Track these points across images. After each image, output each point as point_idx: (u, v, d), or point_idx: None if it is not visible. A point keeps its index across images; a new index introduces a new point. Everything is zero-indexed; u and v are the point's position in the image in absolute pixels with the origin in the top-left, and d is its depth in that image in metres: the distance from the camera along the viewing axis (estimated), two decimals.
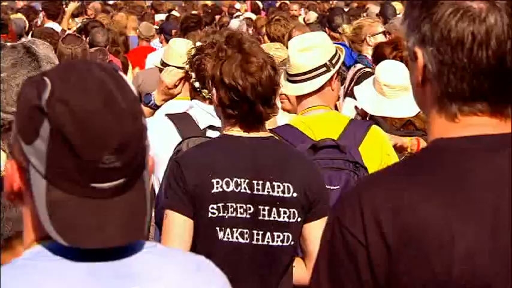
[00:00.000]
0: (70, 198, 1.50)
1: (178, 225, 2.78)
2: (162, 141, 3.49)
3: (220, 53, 3.13)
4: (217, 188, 2.89)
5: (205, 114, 3.87)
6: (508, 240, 1.50)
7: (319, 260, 1.61)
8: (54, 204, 1.49)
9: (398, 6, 11.30)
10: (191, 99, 3.96)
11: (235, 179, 2.94)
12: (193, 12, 14.50)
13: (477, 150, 1.56)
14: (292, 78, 3.98)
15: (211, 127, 3.82)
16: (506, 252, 1.51)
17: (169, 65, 4.99)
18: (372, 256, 1.50)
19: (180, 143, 3.37)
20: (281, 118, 4.13)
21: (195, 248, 2.77)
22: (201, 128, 3.77)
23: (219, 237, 2.72)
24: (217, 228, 2.74)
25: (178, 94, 4.59)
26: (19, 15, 12.21)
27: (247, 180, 2.95)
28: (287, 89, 3.95)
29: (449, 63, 1.54)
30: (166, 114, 3.94)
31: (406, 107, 4.86)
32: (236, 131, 3.04)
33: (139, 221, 1.59)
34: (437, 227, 1.51)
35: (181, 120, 3.95)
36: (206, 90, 3.71)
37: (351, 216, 1.54)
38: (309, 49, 4.06)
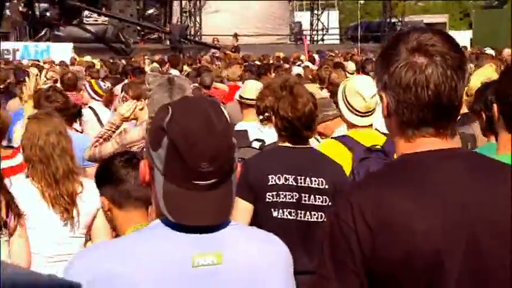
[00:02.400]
0: (178, 190, 1.79)
1: (241, 207, 3.28)
2: None
3: (278, 93, 3.73)
4: (272, 181, 3.45)
5: (256, 131, 4.56)
6: (455, 223, 1.73)
7: (323, 243, 1.84)
8: (167, 193, 1.79)
9: None
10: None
11: (284, 175, 3.50)
12: (270, 62, 17.78)
13: (430, 160, 1.79)
14: (363, 114, 4.38)
15: (257, 139, 4.49)
16: (455, 233, 1.73)
17: (245, 98, 5.66)
18: (360, 237, 1.72)
19: None
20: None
21: (255, 224, 3.32)
22: (250, 140, 4.46)
23: (274, 215, 3.31)
24: (272, 209, 3.32)
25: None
26: (155, 64, 15.49)
27: (293, 176, 3.51)
28: (359, 121, 4.39)
29: (402, 102, 1.77)
30: None
31: None
32: (286, 144, 3.65)
33: (226, 208, 1.85)
34: (403, 215, 1.73)
35: (237, 133, 4.65)
36: (262, 116, 4.38)
37: (344, 211, 1.76)
38: (373, 94, 4.30)
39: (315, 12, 37.25)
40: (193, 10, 31.40)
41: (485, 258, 1.76)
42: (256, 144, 4.58)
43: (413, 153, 1.81)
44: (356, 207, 1.75)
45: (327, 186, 3.59)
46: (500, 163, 2.07)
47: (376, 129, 4.58)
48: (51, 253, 3.59)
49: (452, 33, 32.59)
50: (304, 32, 34.26)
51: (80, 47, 24.96)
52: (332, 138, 4.35)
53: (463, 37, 32.03)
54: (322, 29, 36.66)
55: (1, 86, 9.75)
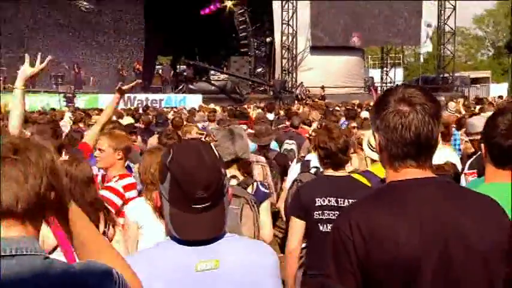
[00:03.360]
0: (180, 213, 1.76)
1: (296, 224, 3.32)
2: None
3: (317, 131, 4.02)
4: (318, 202, 3.41)
5: (315, 160, 4.35)
6: (430, 236, 1.70)
7: (327, 250, 1.81)
8: (172, 215, 1.76)
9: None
10: None
11: (328, 198, 3.45)
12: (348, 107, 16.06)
13: (411, 186, 1.78)
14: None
15: (314, 167, 4.39)
16: (429, 244, 1.70)
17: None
18: (355, 245, 1.71)
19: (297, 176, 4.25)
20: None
21: (305, 236, 3.37)
22: (310, 167, 4.49)
23: (320, 229, 3.25)
24: (319, 224, 3.26)
25: None
26: (259, 110, 15.12)
27: (334, 198, 3.45)
28: (376, 156, 4.29)
29: (391, 140, 1.77)
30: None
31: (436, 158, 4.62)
32: (329, 172, 3.63)
33: (218, 225, 1.80)
34: (388, 228, 1.71)
35: (303, 162, 4.97)
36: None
37: (343, 224, 1.75)
38: None
39: (385, 69, 36.46)
40: (291, 68, 29.67)
41: (454, 265, 1.72)
42: (312, 170, 4.58)
43: (399, 181, 1.79)
44: (353, 222, 1.73)
45: None
46: (467, 189, 2.02)
47: None
48: None
49: (494, 85, 35.39)
50: (375, 85, 33.41)
51: (207, 97, 25.09)
52: (357, 173, 4.25)
53: (502, 88, 31.41)
54: (390, 82, 35.12)
55: (142, 126, 9.82)
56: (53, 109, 17.99)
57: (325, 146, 3.64)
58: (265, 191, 3.67)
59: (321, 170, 4.07)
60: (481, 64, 52.49)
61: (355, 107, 17.19)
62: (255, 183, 3.64)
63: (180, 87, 28.16)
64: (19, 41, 27.50)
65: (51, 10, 27.51)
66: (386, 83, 34.93)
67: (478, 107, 13.29)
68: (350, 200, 3.48)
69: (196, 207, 1.76)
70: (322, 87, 27.40)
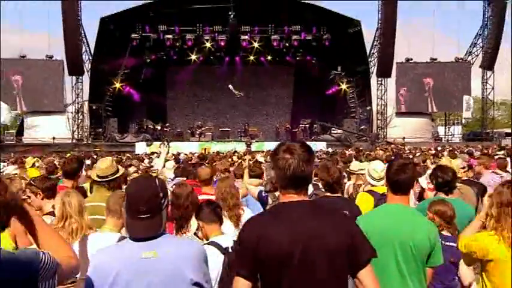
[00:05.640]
0: (130, 220, 2.21)
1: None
2: None
3: (321, 169, 4.24)
4: None
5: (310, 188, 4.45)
6: (296, 239, 2.03)
7: (235, 248, 2.02)
8: (127, 222, 2.23)
9: None
10: None
11: None
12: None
13: (290, 206, 2.13)
14: (378, 180, 4.95)
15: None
16: (295, 245, 2.03)
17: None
18: (250, 244, 2.04)
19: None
20: None
21: None
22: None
23: None
24: None
25: None
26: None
27: None
28: (376, 183, 4.91)
29: (279, 176, 2.14)
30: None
31: None
32: (327, 194, 4.17)
33: (155, 229, 2.21)
34: (272, 235, 2.05)
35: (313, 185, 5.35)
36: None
37: (245, 231, 2.13)
38: (382, 169, 4.83)
39: (448, 126, 39.04)
40: (382, 126, 33.62)
41: (313, 257, 2.03)
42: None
43: (283, 202, 2.14)
44: (250, 229, 2.11)
45: (349, 214, 3.76)
46: (329, 207, 2.43)
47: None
48: None
49: None
50: (440, 136, 37.01)
51: (329, 144, 27.92)
52: (364, 190, 4.79)
53: None
54: (451, 135, 38.06)
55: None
56: (236, 152, 19.23)
57: (324, 178, 4.22)
58: None
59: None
60: None
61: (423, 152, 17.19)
62: None
63: (312, 137, 31.36)
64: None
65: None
66: (448, 135, 38.00)
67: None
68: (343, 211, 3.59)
69: (140, 217, 2.15)
70: (403, 139, 30.91)
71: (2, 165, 10.19)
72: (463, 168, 7.11)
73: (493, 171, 7.22)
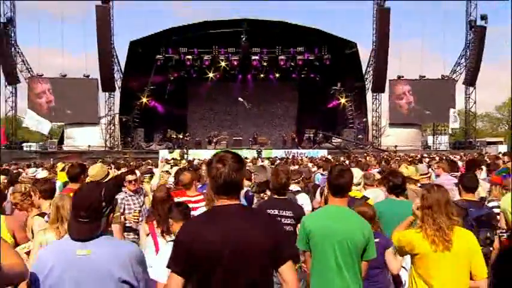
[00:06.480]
0: (73, 223, 2.33)
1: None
2: None
3: (273, 173, 4.37)
4: (269, 212, 3.87)
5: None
6: (227, 239, 2.09)
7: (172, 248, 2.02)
8: (69, 224, 2.38)
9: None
10: None
11: (274, 210, 4.08)
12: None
13: (221, 209, 2.21)
14: (355, 185, 4.89)
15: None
16: (226, 244, 2.09)
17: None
18: (187, 245, 2.10)
19: None
20: None
21: None
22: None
23: None
24: None
25: None
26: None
27: (277, 210, 4.13)
28: (353, 188, 4.61)
29: (213, 183, 2.29)
30: None
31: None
32: (275, 196, 4.36)
33: (92, 231, 2.30)
34: (206, 235, 2.13)
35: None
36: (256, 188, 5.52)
37: (182, 233, 2.17)
38: (360, 176, 5.33)
39: (436, 136, 40.07)
40: (377, 135, 35.27)
41: (241, 255, 2.10)
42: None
43: (217, 206, 2.24)
44: (186, 230, 2.17)
45: (292, 214, 4.36)
46: (257, 211, 2.65)
47: (364, 195, 5.04)
48: None
49: (502, 146, 37.74)
50: (429, 145, 38.72)
51: (329, 151, 28.59)
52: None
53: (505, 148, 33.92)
54: (439, 144, 38.84)
55: None
56: (246, 158, 18.33)
57: (273, 184, 4.50)
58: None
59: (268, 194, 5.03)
60: (500, 132, 56.33)
61: (412, 158, 17.10)
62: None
63: (315, 145, 32.50)
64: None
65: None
66: (437, 144, 38.85)
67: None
68: (287, 211, 4.33)
69: (80, 220, 2.28)
70: (395, 147, 32.05)
71: (35, 170, 10.70)
72: (426, 174, 7.17)
73: (450, 174, 7.44)
